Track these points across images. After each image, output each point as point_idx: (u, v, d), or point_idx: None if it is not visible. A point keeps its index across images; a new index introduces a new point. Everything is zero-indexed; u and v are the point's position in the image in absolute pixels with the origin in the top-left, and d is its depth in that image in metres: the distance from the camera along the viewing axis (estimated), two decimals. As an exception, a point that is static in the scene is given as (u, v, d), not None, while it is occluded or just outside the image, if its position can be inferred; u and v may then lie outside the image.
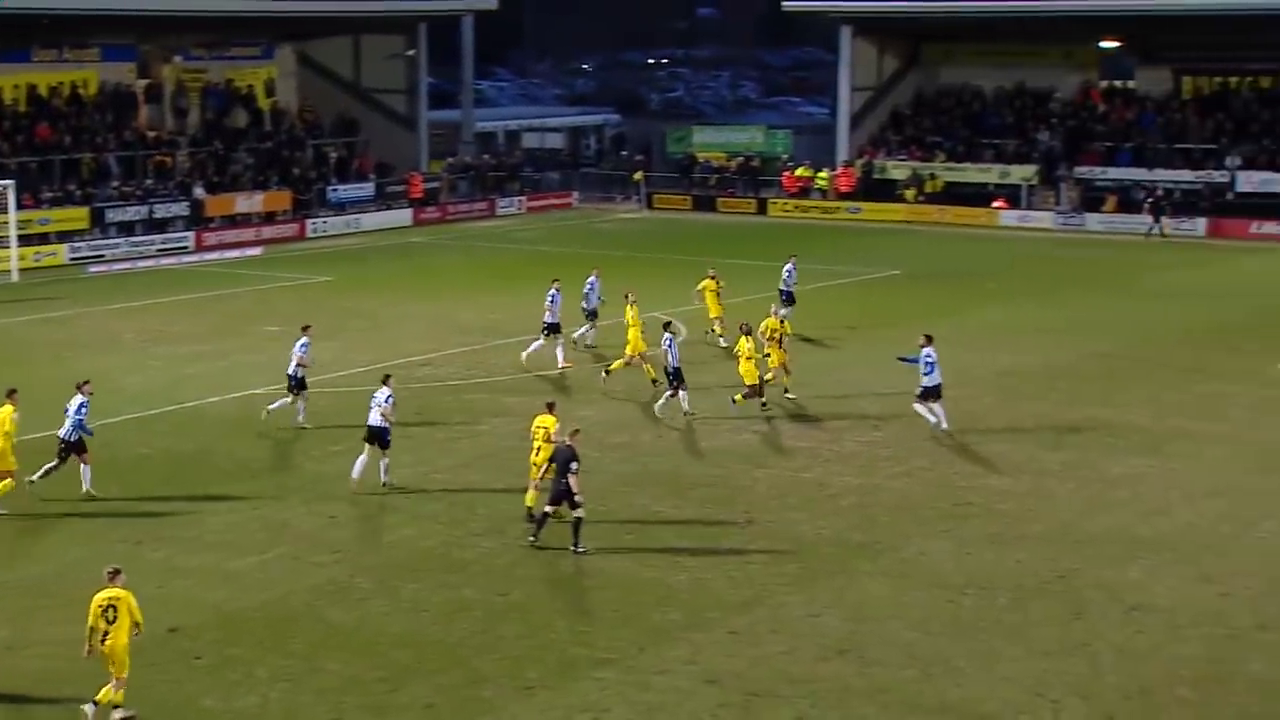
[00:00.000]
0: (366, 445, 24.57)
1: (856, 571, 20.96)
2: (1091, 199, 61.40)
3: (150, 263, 52.04)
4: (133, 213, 55.00)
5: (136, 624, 16.30)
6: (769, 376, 29.79)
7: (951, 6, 65.42)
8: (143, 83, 61.77)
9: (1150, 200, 57.08)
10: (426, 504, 24.26)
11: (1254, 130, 60.85)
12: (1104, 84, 67.48)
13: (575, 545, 21.53)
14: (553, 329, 33.76)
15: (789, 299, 37.24)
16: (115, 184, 55.96)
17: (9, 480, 23.29)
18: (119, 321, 40.63)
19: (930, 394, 27.83)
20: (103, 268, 51.07)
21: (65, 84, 58.53)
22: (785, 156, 70.86)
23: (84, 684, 16.42)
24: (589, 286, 35.95)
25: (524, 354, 33.90)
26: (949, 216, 61.81)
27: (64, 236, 52.58)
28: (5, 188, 47.92)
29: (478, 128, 78.01)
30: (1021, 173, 62.99)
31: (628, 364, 31.62)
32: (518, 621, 19.22)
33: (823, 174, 66.73)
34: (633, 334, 31.61)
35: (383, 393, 24.69)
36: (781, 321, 30.92)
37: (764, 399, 29.45)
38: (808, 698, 16.94)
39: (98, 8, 54.91)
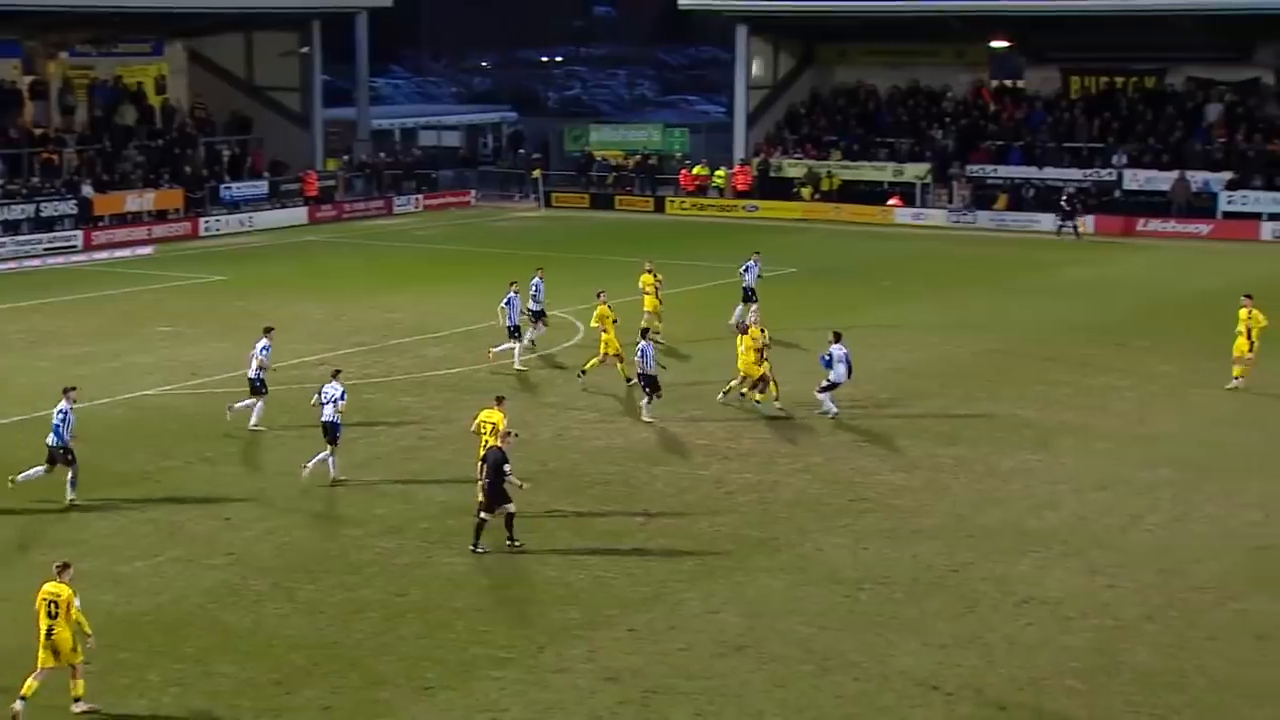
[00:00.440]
0: (325, 441, 24.84)
1: (754, 568, 21.10)
2: (983, 197, 62.31)
3: (37, 262, 51.07)
4: (19, 211, 53.89)
5: (78, 624, 16.38)
6: (734, 382, 29.68)
7: (845, 6, 66.08)
8: (28, 79, 60.53)
9: (1064, 200, 57.87)
10: (322, 504, 24.07)
11: (1139, 129, 62.09)
12: (995, 83, 68.49)
13: (510, 539, 21.59)
14: (515, 331, 33.58)
15: (749, 295, 36.96)
16: (0, 182, 54.82)
17: None
18: (5, 322, 39.82)
19: (830, 388, 28.74)
20: (-12, 267, 50.09)
21: (-51, 80, 57.35)
22: (680, 155, 71.12)
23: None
24: (534, 288, 35.51)
25: (493, 351, 33.52)
26: (845, 214, 62.40)
27: (-52, 235, 51.52)
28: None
29: (373, 126, 77.37)
30: (915, 171, 63.76)
31: (602, 362, 31.54)
32: (416, 622, 19.13)
33: (720, 172, 67.07)
34: (607, 335, 31.42)
35: (335, 388, 24.86)
36: (761, 330, 30.19)
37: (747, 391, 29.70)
38: (705, 694, 17.03)
39: (-20, 3, 53.84)
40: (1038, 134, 63.54)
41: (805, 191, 64.64)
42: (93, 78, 62.32)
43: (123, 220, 56.79)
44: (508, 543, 21.62)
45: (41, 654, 16.32)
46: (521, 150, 75.57)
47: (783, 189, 65.64)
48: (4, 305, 42.32)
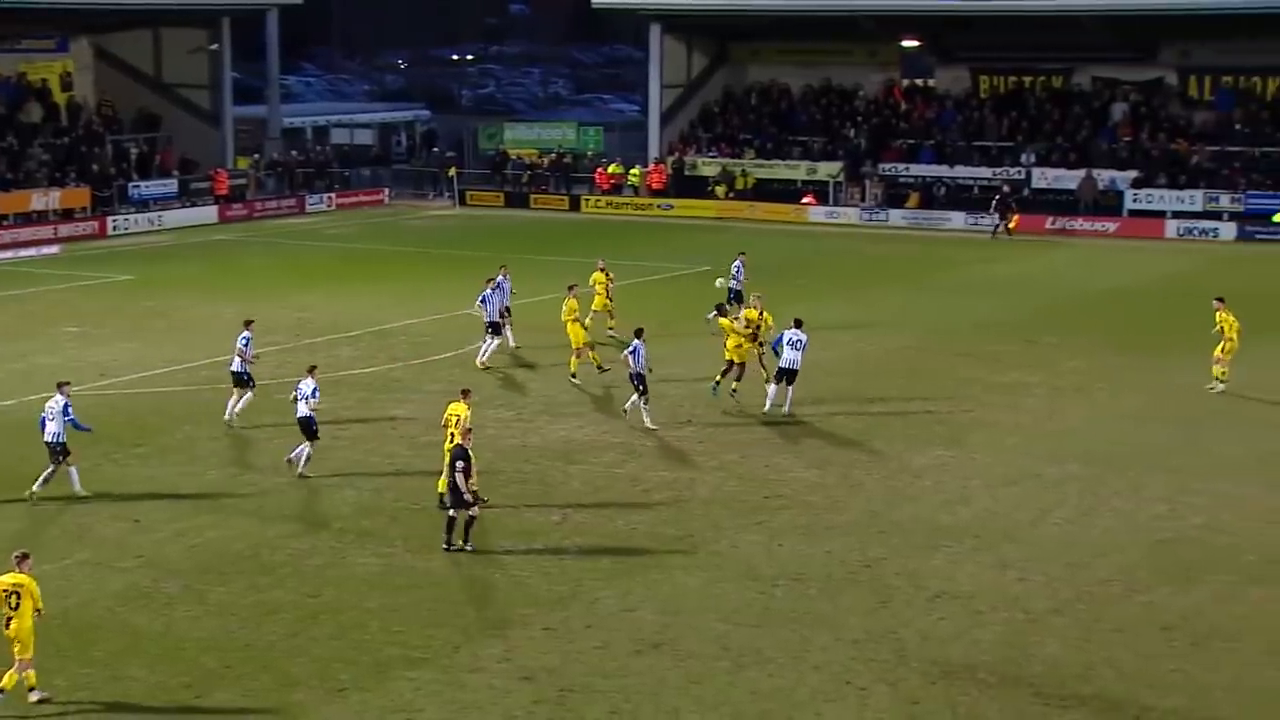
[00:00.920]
0: (303, 437, 24.94)
1: (670, 566, 21.15)
2: (895, 195, 62.86)
3: (-60, 262, 50.14)
4: (-80, 210, 52.96)
5: (38, 610, 16.57)
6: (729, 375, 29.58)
7: (757, 5, 66.37)
8: (-71, 75, 59.51)
9: (997, 199, 58.39)
10: (235, 505, 23.81)
11: (1047, 129, 62.93)
12: (906, 83, 69.10)
13: (465, 542, 21.46)
14: (494, 327, 33.45)
15: (736, 296, 36.72)
16: (-99, 180, 53.81)
17: None
18: (-93, 323, 39.05)
19: (783, 375, 28.83)
20: (-111, 267, 49.05)
21: None
22: (594, 153, 71.13)
23: None
24: (500, 286, 34.97)
25: (479, 359, 33.19)
26: (759, 213, 62.69)
27: None
28: None
29: (285, 124, 76.67)
30: (828, 169, 64.19)
31: (577, 356, 31.43)
32: (329, 623, 18.99)
33: (635, 171, 67.14)
34: (572, 329, 31.38)
35: (308, 384, 24.84)
36: (760, 314, 30.36)
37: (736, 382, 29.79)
38: (621, 692, 17.05)
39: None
40: (948, 133, 64.22)
41: (720, 190, 64.89)
42: (-5, 74, 61.30)
43: (28, 219, 55.83)
44: (460, 544, 21.42)
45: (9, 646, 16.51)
46: (435, 149, 75.23)
47: (697, 187, 65.85)
48: (-95, 306, 41.50)
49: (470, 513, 21.47)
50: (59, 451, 23.85)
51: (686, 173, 66.49)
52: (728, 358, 29.78)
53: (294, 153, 70.17)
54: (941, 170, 63.02)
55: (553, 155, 70.25)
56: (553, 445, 27.31)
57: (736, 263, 38.17)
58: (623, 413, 28.66)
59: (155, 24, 66.48)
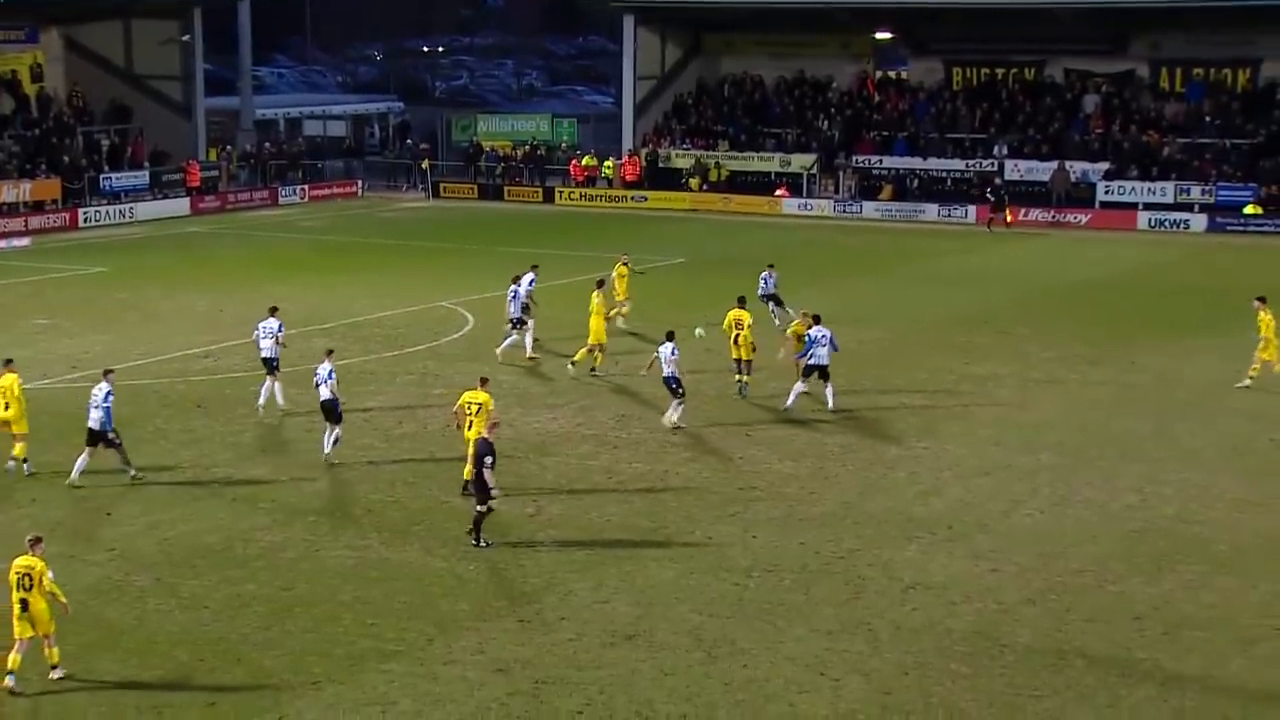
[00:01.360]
0: (326, 421, 25.12)
1: (644, 557, 21.15)
2: (869, 187, 62.97)
3: (-91, 254, 49.81)
4: (-111, 202, 52.62)
5: (53, 594, 16.91)
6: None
7: (731, -3, 66.53)
8: (-103, 66, 59.09)
9: (990, 190, 58.45)
10: (207, 498, 23.72)
11: (1019, 120, 63.12)
12: (879, 74, 69.22)
13: (476, 539, 21.26)
14: (519, 322, 33.26)
15: (778, 302, 36.62)
16: None
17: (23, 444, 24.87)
18: (-124, 316, 38.78)
19: (811, 371, 28.71)
20: None
21: None
22: (565, 145, 71.07)
23: None
24: (529, 282, 34.58)
25: (499, 350, 33.05)
26: (733, 205, 62.76)
27: None
28: None
29: (257, 115, 76.40)
30: (802, 161, 64.27)
31: (590, 352, 31.39)
32: (303, 616, 18.93)
33: (608, 163, 67.10)
34: (595, 322, 31.26)
35: (325, 368, 25.11)
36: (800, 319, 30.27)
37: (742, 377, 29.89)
38: (596, 683, 17.05)
39: None
40: (921, 125, 64.36)
41: (693, 182, 64.92)
42: (-35, 66, 60.93)
43: (-2, 211, 55.58)
44: (474, 542, 21.31)
45: (18, 626, 16.76)
46: (409, 140, 75.09)
47: (671, 179, 65.90)
48: (-126, 298, 41.22)
49: (486, 506, 21.28)
50: (109, 438, 24.15)
51: (660, 165, 66.52)
52: (735, 356, 29.73)
53: (267, 145, 69.91)
54: (915, 162, 63.20)
55: (526, 147, 70.16)
56: (527, 437, 27.27)
57: (765, 274, 37.28)
58: (672, 426, 27.69)
59: (126, 15, 66.18)
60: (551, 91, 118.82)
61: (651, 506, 23.35)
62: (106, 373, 24.91)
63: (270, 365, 28.59)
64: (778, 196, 63.17)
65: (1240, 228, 56.19)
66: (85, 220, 57.29)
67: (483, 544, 21.28)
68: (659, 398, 29.81)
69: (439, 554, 21.22)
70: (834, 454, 26.29)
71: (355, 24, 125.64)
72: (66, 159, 59.30)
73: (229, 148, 68.46)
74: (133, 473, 24.28)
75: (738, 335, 29.75)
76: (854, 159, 63.99)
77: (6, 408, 24.98)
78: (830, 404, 28.78)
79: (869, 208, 61.49)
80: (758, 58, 69.78)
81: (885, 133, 64.86)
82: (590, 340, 31.56)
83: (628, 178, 66.16)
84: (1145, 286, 45.05)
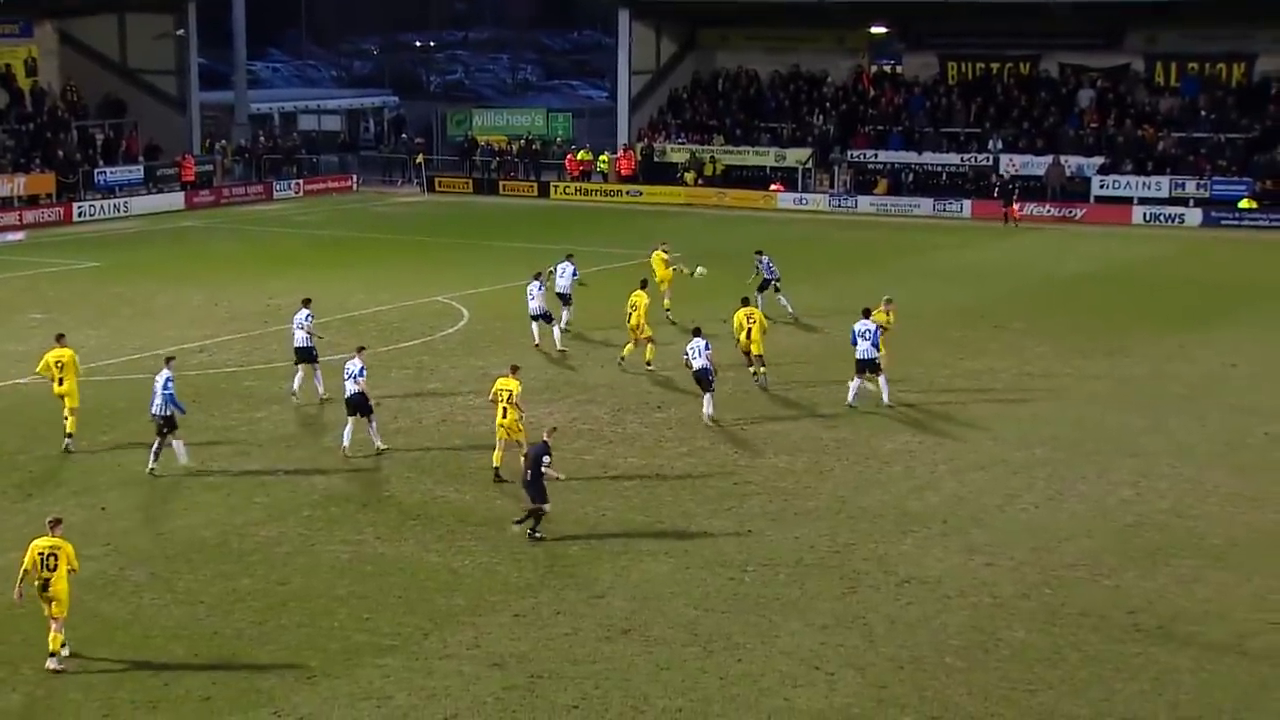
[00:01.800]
0: (350, 417, 25.30)
1: (639, 552, 21.17)
2: (864, 182, 62.99)
3: (-97, 248, 49.74)
4: (-117, 196, 52.53)
5: (72, 569, 17.38)
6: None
7: (726, -9, 66.54)
8: (-110, 60, 58.98)
9: (998, 187, 58.37)
10: (203, 493, 23.72)
11: (1015, 115, 63.13)
12: (874, 69, 69.21)
13: (521, 524, 21.62)
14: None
15: (774, 287, 37.06)
16: None
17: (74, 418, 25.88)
18: None
19: (862, 367, 28.61)
20: None
21: None
22: (560, 139, 71.03)
23: None
24: (560, 271, 35.51)
25: (549, 340, 33.40)
26: (728, 199, 62.77)
27: None
28: None
29: (252, 110, 76.33)
30: (797, 156, 64.27)
31: (636, 346, 31.47)
32: (298, 610, 18.94)
33: (603, 157, 67.09)
34: (635, 317, 31.27)
35: (355, 364, 25.24)
36: (890, 310, 30.33)
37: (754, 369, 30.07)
38: (591, 678, 17.07)
39: None
40: (916, 119, 64.36)
41: (689, 176, 64.91)
42: (-42, 59, 60.82)
43: (-8, 205, 55.52)
44: (529, 534, 21.48)
45: (41, 605, 17.18)
46: (404, 135, 75.03)
47: (666, 174, 65.88)
48: None
49: (543, 508, 21.50)
50: (163, 425, 24.34)
51: (655, 159, 66.50)
52: (744, 349, 29.78)
53: (261, 139, 69.83)
54: (910, 157, 63.20)
55: (521, 141, 70.14)
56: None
57: (764, 259, 37.54)
58: (710, 422, 27.70)
59: (121, 9, 66.08)
60: (546, 86, 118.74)
61: (647, 501, 23.36)
62: (168, 360, 25.32)
63: (308, 355, 28.97)
64: (773, 191, 63.17)
65: (1235, 222, 56.23)
66: (79, 215, 57.25)
67: (538, 535, 21.46)
68: (654, 393, 29.85)
69: (434, 549, 21.23)
70: (829, 448, 26.31)
71: (350, 18, 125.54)
72: (61, 153, 59.23)
73: (224, 142, 68.39)
74: (152, 466, 24.41)
75: (750, 330, 29.75)
76: (849, 154, 64.00)
77: (61, 382, 25.95)
78: (886, 399, 28.70)
79: (864, 202, 61.50)
80: (753, 52, 69.77)
81: (880, 127, 64.87)
82: (632, 334, 31.50)
83: (623, 172, 66.16)
84: (1140, 281, 45.10)
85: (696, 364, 27.65)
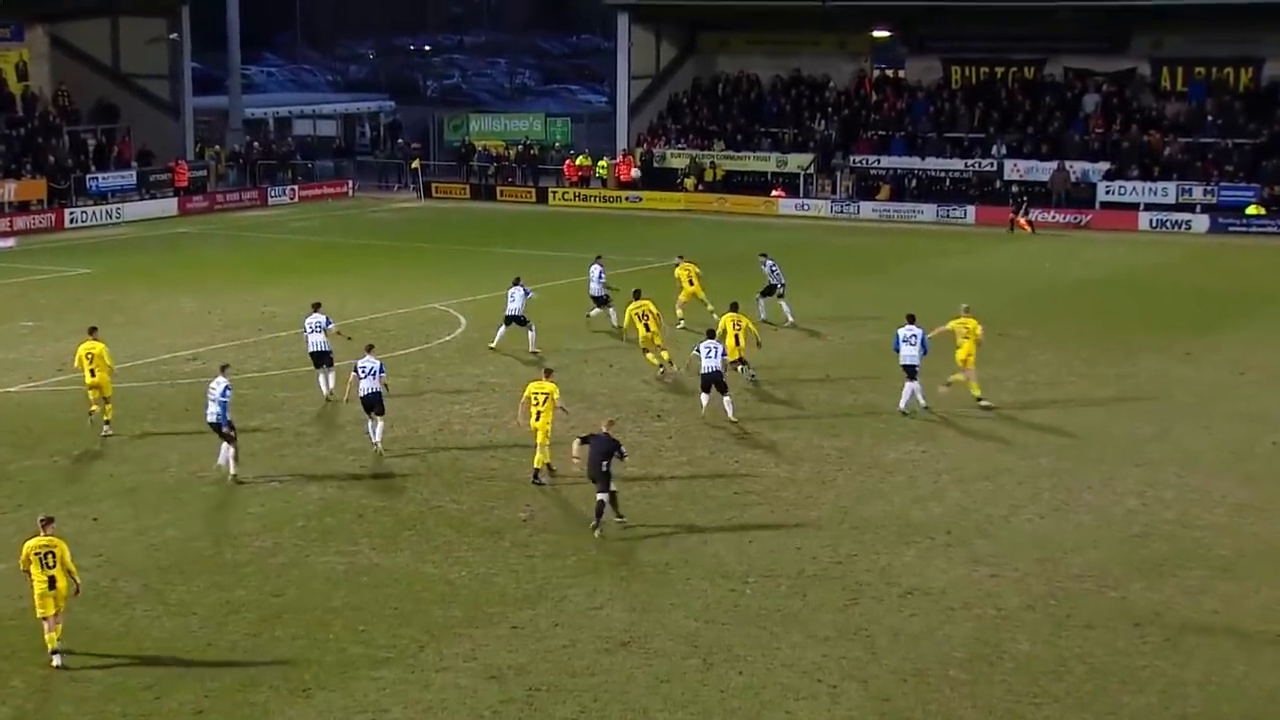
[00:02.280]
0: (367, 413, 26.01)
1: (639, 563, 21.16)
2: (866, 187, 63.01)
3: (-107, 255, 49.73)
4: (-128, 202, 52.53)
5: (70, 572, 17.72)
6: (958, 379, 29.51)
7: (726, -6, 66.60)
8: (-120, 64, 59.00)
9: (1013, 199, 58.33)
10: (196, 503, 23.71)
11: (1019, 120, 63.17)
12: (877, 73, 69.25)
13: (618, 515, 22.34)
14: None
15: (778, 292, 37.31)
16: None
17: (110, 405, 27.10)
18: None
19: (911, 372, 28.87)
20: None
21: None
22: (559, 144, 71.07)
23: None
24: (599, 276, 36.69)
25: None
26: (729, 205, 62.79)
27: None
28: None
29: (246, 114, 76.34)
30: (798, 161, 64.30)
31: (648, 352, 31.87)
32: (292, 622, 18.93)
33: (602, 163, 67.11)
34: (653, 323, 31.66)
35: (373, 362, 25.96)
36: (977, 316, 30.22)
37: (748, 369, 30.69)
38: (590, 691, 17.05)
39: None
40: (919, 124, 64.40)
41: (689, 182, 64.95)
42: (-51, 64, 60.85)
43: (-17, 211, 55.52)
44: (618, 519, 22.30)
45: (45, 603, 17.50)
46: (400, 140, 75.06)
47: (666, 179, 65.92)
48: None
49: (607, 491, 22.15)
50: (224, 431, 24.62)
51: (655, 165, 66.55)
52: (733, 359, 29.85)
53: (255, 144, 69.86)
54: (913, 162, 63.25)
55: (519, 147, 70.16)
56: (519, 442, 27.18)
57: (770, 264, 37.70)
58: (732, 420, 28.24)
59: (113, 12, 66.11)
60: (545, 90, 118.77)
61: (646, 511, 23.34)
62: (223, 368, 25.61)
63: (325, 358, 29.67)
64: (774, 197, 63.20)
65: (1243, 228, 56.24)
66: (71, 221, 57.26)
67: (624, 517, 22.37)
68: (654, 402, 29.85)
69: (430, 559, 21.22)
70: (831, 458, 26.31)
71: (346, 22, 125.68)
72: (52, 159, 59.24)
73: (218, 147, 68.42)
74: (233, 472, 24.72)
75: (737, 335, 29.87)
76: (851, 159, 64.03)
77: (93, 374, 26.84)
78: (923, 402, 28.95)
79: (866, 208, 61.52)
80: (754, 56, 69.82)
81: (883, 132, 64.90)
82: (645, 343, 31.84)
83: (622, 178, 66.19)
84: (1146, 288, 45.11)
85: (708, 365, 28.03)
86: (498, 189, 67.75)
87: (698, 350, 28.49)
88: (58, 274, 46.30)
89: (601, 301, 36.74)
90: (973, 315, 29.86)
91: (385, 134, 79.97)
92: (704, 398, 28.51)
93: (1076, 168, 59.94)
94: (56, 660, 17.49)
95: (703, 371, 28.26)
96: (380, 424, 26.23)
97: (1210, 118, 60.70)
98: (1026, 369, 33.11)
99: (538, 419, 24.52)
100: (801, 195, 63.39)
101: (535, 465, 24.68)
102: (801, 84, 68.45)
